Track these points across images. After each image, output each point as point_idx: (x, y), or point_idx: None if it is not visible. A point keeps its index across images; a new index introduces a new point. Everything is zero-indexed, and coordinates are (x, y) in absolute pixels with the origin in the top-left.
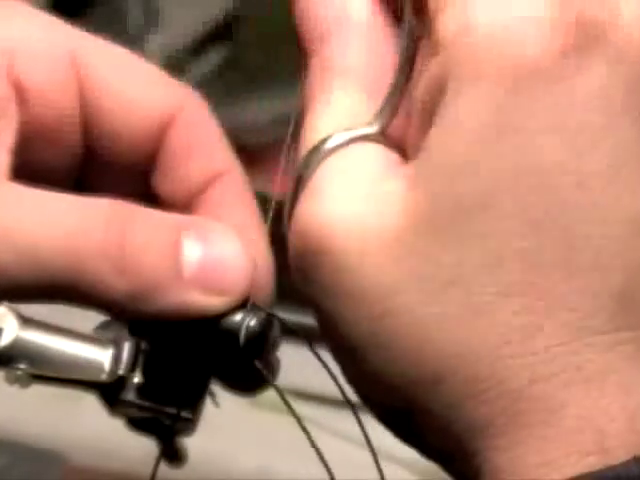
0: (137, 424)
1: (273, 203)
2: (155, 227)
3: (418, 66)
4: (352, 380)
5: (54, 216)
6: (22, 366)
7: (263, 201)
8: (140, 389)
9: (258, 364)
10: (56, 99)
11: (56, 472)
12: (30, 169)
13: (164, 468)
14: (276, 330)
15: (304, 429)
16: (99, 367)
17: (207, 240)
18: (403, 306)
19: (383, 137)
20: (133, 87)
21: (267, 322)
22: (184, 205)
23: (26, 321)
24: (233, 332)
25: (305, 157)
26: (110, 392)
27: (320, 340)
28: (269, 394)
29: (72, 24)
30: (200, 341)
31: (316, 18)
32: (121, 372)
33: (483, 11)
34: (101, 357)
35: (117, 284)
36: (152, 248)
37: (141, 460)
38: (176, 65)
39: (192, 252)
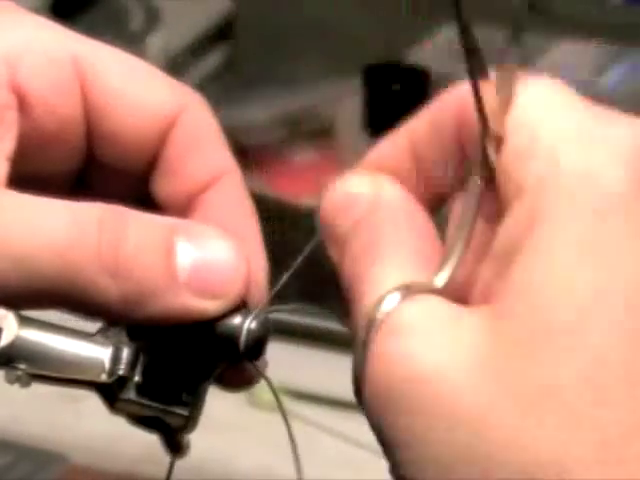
0: (139, 420)
1: None
2: (148, 231)
3: (483, 220)
4: None
5: (48, 224)
6: (22, 366)
7: (263, 201)
8: (140, 387)
9: (257, 366)
10: (59, 105)
11: (57, 471)
12: (31, 173)
13: (164, 467)
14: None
15: (287, 424)
16: (99, 366)
17: (200, 243)
18: (501, 419)
19: (445, 292)
20: (136, 90)
21: (266, 325)
22: (183, 206)
23: (26, 320)
24: (233, 336)
25: (375, 305)
26: (110, 391)
27: (318, 340)
28: (269, 394)
29: (72, 24)
30: (199, 344)
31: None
32: (121, 372)
33: (567, 158)
34: (101, 356)
35: (111, 289)
36: (145, 252)
37: (142, 459)
38: (176, 65)
39: (185, 255)
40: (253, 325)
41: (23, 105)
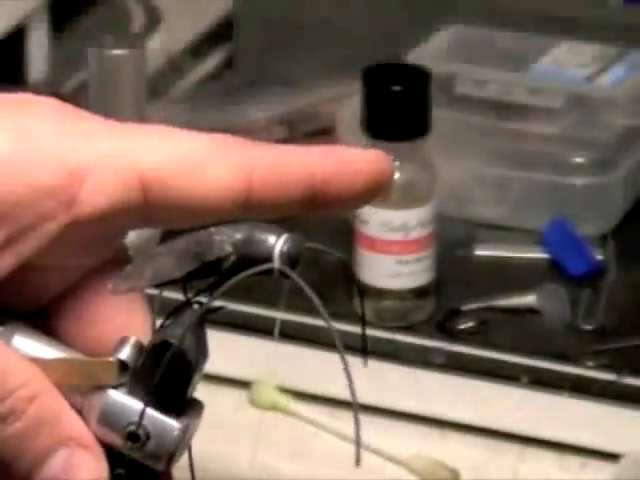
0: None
1: None
2: None
3: None
4: None
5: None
6: None
7: None
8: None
9: (297, 279)
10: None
11: None
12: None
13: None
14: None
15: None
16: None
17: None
18: None
19: None
20: None
21: (301, 245)
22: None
23: (25, 330)
24: (267, 252)
25: None
26: None
27: (317, 341)
28: (268, 395)
29: (72, 24)
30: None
31: None
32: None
33: None
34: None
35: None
36: None
37: None
38: (176, 65)
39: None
40: (287, 244)
41: (73, 221)
